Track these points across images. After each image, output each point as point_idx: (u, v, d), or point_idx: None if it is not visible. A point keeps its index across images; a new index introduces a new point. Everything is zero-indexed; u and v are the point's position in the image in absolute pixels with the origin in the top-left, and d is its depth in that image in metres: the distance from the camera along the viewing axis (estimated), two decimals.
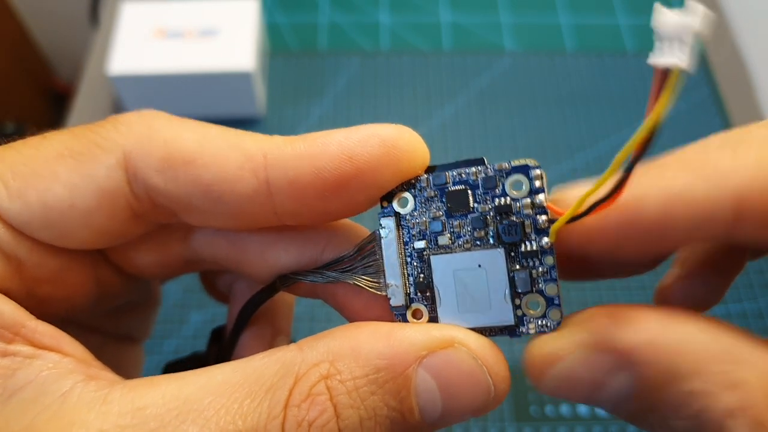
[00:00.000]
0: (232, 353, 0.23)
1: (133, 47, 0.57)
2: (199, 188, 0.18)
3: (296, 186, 0.18)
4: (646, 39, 0.68)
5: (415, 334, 0.17)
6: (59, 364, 0.17)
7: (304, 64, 0.66)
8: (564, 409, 0.47)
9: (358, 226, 0.22)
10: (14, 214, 0.18)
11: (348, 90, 0.64)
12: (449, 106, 0.63)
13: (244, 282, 0.25)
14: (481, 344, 0.18)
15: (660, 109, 0.14)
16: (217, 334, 0.26)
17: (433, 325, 0.19)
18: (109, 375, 0.18)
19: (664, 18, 0.14)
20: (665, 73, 0.14)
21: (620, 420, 0.46)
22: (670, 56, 0.13)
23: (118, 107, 0.62)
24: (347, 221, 0.22)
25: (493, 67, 0.66)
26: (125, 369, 0.19)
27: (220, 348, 0.25)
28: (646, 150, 0.15)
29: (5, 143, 0.20)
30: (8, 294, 0.18)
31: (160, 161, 0.18)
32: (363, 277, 0.20)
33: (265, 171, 0.18)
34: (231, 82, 0.57)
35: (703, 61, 0.66)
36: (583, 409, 0.47)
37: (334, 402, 0.16)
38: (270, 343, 0.24)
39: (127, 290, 0.23)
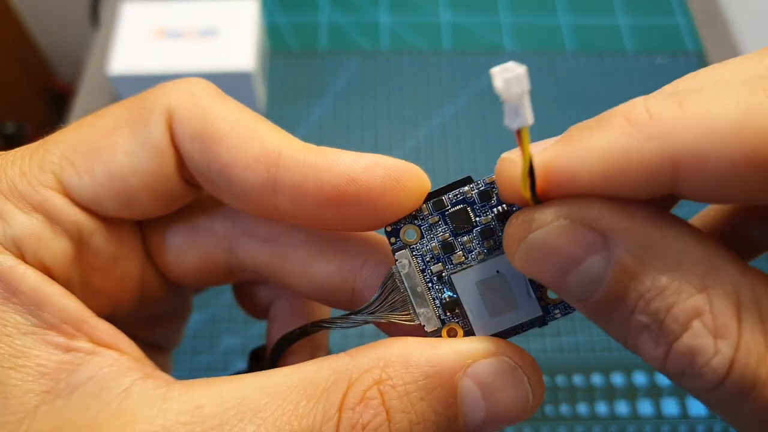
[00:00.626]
0: None
1: (134, 47, 0.57)
2: (217, 165, 0.19)
3: (298, 191, 0.19)
4: (646, 39, 0.68)
5: (460, 344, 0.18)
6: (118, 362, 0.18)
7: (304, 64, 0.66)
8: (564, 408, 0.47)
9: None
10: (84, 189, 0.19)
11: (348, 90, 0.64)
12: (449, 106, 0.63)
13: (284, 301, 0.26)
14: (520, 354, 0.19)
15: (525, 163, 0.16)
16: (256, 355, 0.26)
17: (476, 337, 0.20)
18: (164, 374, 0.19)
19: (499, 86, 0.16)
20: (518, 132, 0.16)
21: (609, 424, 0.46)
22: (516, 119, 0.16)
23: None
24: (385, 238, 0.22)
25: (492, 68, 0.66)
26: None
27: (261, 368, 0.25)
28: (534, 193, 0.17)
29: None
30: (69, 283, 0.19)
31: (194, 130, 0.20)
32: (393, 313, 0.21)
33: (275, 168, 0.19)
34: (231, 82, 0.57)
35: (702, 61, 0.66)
36: (582, 408, 0.47)
37: (387, 406, 0.17)
38: (310, 359, 0.24)
39: (166, 298, 0.24)
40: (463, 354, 0.18)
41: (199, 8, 0.60)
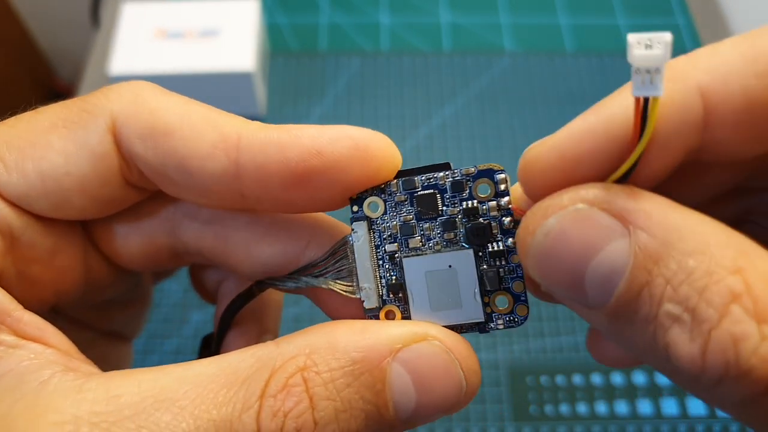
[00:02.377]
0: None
1: (134, 47, 0.57)
2: (173, 160, 0.19)
3: (263, 171, 0.19)
4: None
5: (389, 328, 0.18)
6: (41, 355, 0.18)
7: (305, 65, 0.66)
8: (563, 408, 0.47)
9: (342, 224, 0.22)
10: (12, 186, 0.19)
11: (348, 90, 0.64)
12: (449, 106, 0.63)
13: (231, 282, 0.25)
14: (453, 339, 0.18)
15: (647, 136, 0.15)
16: (207, 341, 0.26)
17: (407, 321, 0.19)
18: (88, 367, 0.18)
19: (637, 53, 0.15)
20: (646, 103, 0.15)
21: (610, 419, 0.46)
22: (649, 89, 0.15)
23: None
24: (331, 219, 0.22)
25: (492, 68, 0.66)
26: (113, 366, 0.19)
27: (209, 353, 0.25)
28: (630, 175, 0.16)
29: None
30: (1, 275, 0.19)
31: (142, 129, 0.19)
32: (337, 281, 0.20)
33: (236, 152, 0.19)
34: (232, 82, 0.57)
35: None
36: (582, 408, 0.47)
37: (310, 393, 0.17)
38: (256, 342, 0.24)
39: (115, 282, 0.24)
40: (393, 338, 0.17)
41: (199, 8, 0.60)
